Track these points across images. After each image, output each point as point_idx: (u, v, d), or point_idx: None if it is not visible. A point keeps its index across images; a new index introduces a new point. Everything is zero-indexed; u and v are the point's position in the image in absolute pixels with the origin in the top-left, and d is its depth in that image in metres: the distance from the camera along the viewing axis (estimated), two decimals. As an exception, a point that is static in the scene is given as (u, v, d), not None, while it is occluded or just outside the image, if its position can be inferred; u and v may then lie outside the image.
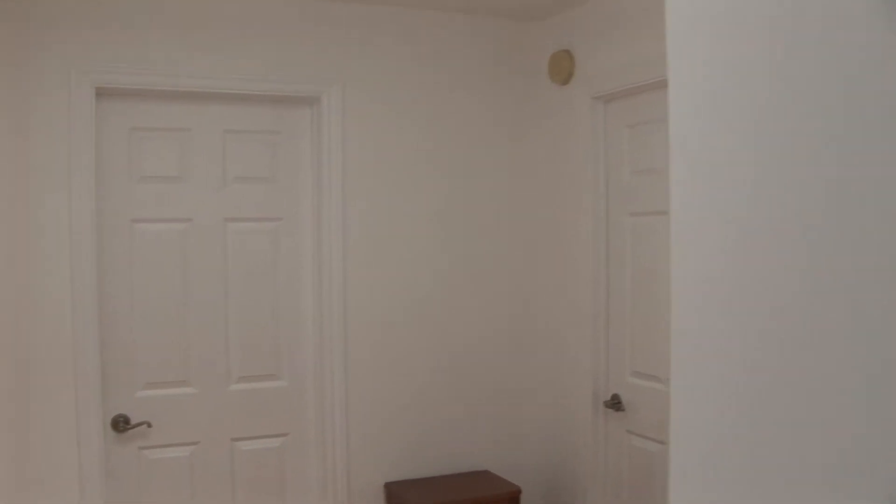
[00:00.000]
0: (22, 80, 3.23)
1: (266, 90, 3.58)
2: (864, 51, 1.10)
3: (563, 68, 3.78)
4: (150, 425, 3.51)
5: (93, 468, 3.35)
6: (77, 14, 3.29)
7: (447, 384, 3.92)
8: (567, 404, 3.86)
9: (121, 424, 3.47)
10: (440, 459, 3.91)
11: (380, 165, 3.77)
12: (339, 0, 3.67)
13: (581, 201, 3.73)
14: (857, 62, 1.12)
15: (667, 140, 3.29)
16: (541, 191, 4.01)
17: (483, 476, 3.87)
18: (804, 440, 1.23)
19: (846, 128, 1.15)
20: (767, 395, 1.29)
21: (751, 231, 1.30)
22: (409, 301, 3.83)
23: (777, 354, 1.26)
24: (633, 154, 3.53)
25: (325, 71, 3.66)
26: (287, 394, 3.75)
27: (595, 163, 3.67)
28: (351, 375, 3.73)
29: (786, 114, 1.25)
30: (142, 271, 3.51)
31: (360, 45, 3.72)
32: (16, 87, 3.22)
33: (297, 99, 3.68)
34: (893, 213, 1.07)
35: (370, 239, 3.76)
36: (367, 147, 3.75)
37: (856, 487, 1.13)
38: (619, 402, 3.59)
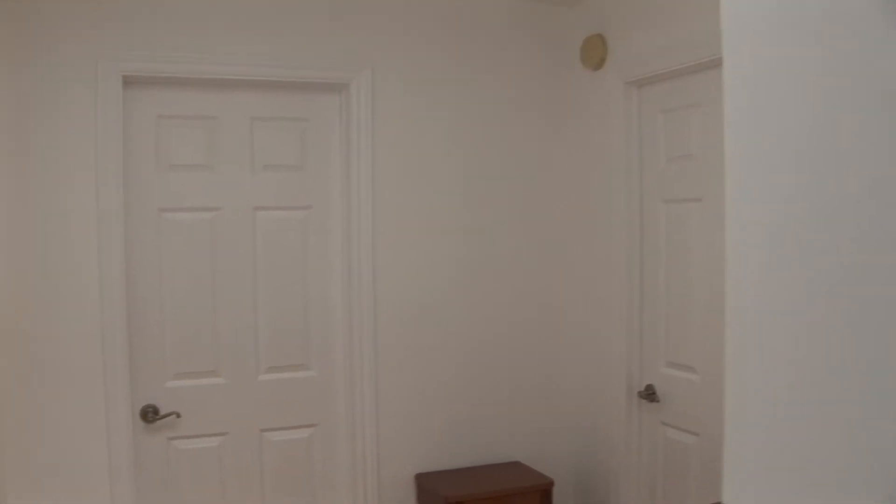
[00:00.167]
0: (49, 69, 3.20)
1: (294, 76, 3.53)
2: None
3: (595, 53, 3.70)
4: (178, 416, 3.49)
5: (122, 459, 3.33)
6: (104, 2, 3.26)
7: (478, 374, 3.87)
8: (600, 395, 3.81)
9: (150, 415, 3.45)
10: (471, 450, 3.86)
11: (410, 153, 3.72)
12: (367, -15, 3.62)
13: (614, 188, 3.66)
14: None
15: (702, 125, 3.24)
16: (573, 178, 3.95)
17: (515, 468, 3.82)
18: (859, 432, 1.17)
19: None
20: (822, 385, 1.23)
21: (806, 215, 1.24)
22: (439, 290, 3.78)
23: (832, 344, 1.20)
24: (668, 140, 3.45)
25: (354, 57, 3.61)
26: (316, 384, 3.71)
27: (628, 149, 3.60)
28: (381, 365, 3.69)
29: (842, 94, 1.18)
30: (170, 261, 3.48)
31: (389, 31, 3.66)
32: (43, 76, 3.20)
33: (326, 85, 3.63)
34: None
35: (400, 227, 3.71)
36: (397, 134, 3.69)
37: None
38: (654, 393, 3.52)
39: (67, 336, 3.26)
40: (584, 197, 3.88)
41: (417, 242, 3.74)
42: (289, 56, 3.50)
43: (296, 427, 3.68)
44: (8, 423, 3.20)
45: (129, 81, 3.34)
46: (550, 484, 3.63)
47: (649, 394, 3.54)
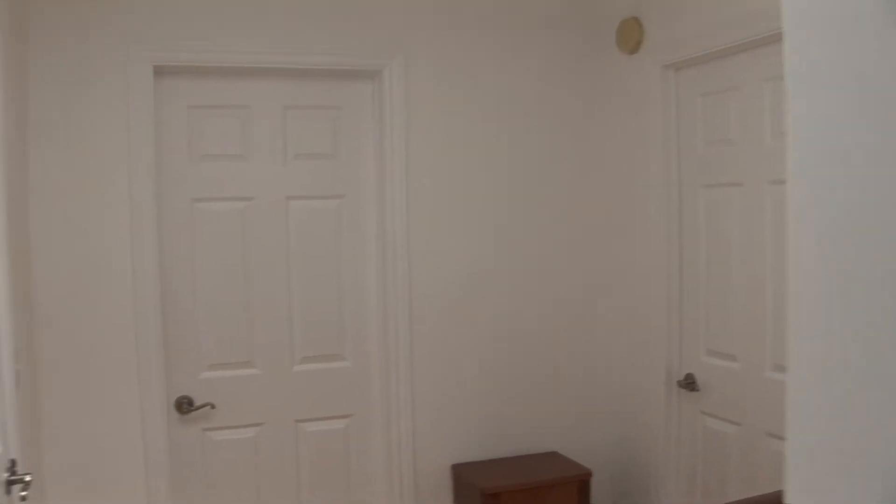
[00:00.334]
0: (80, 59, 3.19)
1: (326, 64, 3.49)
2: None
3: (631, 36, 3.63)
4: (213, 407, 3.48)
5: (157, 449, 3.33)
6: (134, -10, 3.24)
7: (514, 363, 3.82)
8: (639, 384, 3.75)
9: (184, 406, 3.45)
10: (508, 440, 3.82)
11: (443, 140, 3.67)
12: (398, -30, 3.57)
13: (652, 174, 3.60)
14: None
15: (742, 108, 3.16)
16: (610, 164, 3.89)
17: (552, 458, 3.78)
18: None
19: None
20: (888, 382, 1.18)
21: (871, 200, 1.18)
22: (474, 278, 3.74)
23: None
24: (707, 124, 3.38)
25: (386, 43, 3.56)
26: (351, 374, 3.69)
27: (666, 134, 3.53)
28: (416, 355, 3.65)
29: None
30: (203, 251, 3.46)
31: (421, 18, 3.61)
32: (75, 67, 3.18)
33: (358, 73, 3.59)
34: None
35: (434, 216, 3.67)
36: (431, 121, 3.64)
37: None
38: (694, 382, 3.46)
39: (102, 327, 3.26)
40: (621, 183, 3.82)
41: (452, 230, 3.70)
42: (321, 43, 3.47)
43: (331, 418, 3.66)
44: (46, 413, 3.20)
45: (160, 71, 3.32)
46: (588, 475, 3.58)
47: (689, 383, 3.48)
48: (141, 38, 3.24)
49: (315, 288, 3.61)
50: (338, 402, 3.67)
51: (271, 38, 3.41)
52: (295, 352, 3.60)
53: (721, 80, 3.28)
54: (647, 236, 3.66)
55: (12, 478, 2.33)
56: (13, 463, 2.39)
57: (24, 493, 2.30)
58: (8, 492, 2.32)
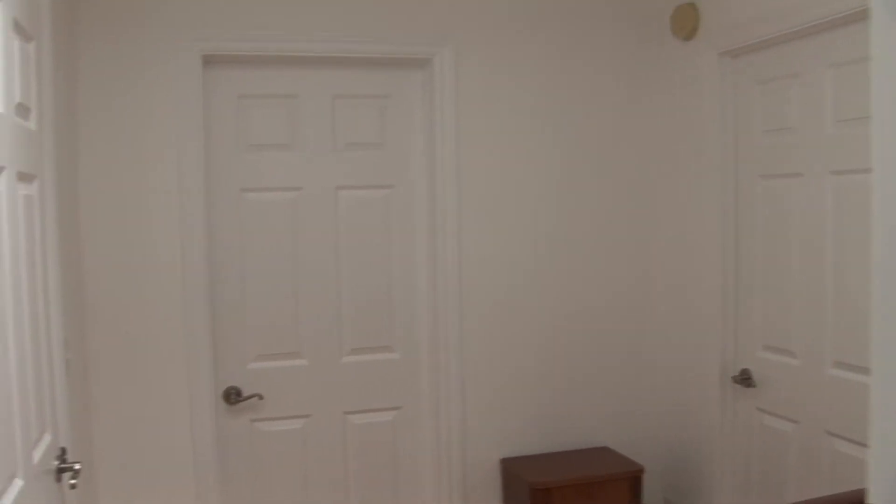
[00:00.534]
0: (130, 49, 3.18)
1: (375, 52, 3.45)
2: None
3: (687, 22, 3.54)
4: (261, 397, 3.47)
5: (205, 439, 3.32)
6: (184, -22, 3.23)
7: (565, 356, 3.76)
8: (692, 379, 3.67)
9: (232, 397, 3.44)
10: (558, 435, 3.76)
11: (494, 129, 3.61)
12: (449, -44, 3.51)
13: (707, 163, 3.50)
14: None
15: (803, 96, 3.06)
16: (663, 153, 3.80)
17: (603, 453, 3.71)
18: None
19: None
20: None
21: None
22: (525, 270, 3.68)
23: None
24: (765, 112, 3.28)
25: (436, 31, 3.51)
26: (400, 366, 3.65)
27: (722, 122, 3.43)
28: (466, 347, 3.61)
29: None
30: (252, 241, 3.44)
31: (471, 5, 3.55)
32: (124, 57, 3.18)
33: (408, 61, 3.54)
34: None
35: (485, 206, 3.61)
36: (481, 110, 3.59)
37: None
38: (749, 378, 3.37)
39: (151, 316, 3.26)
40: (675, 173, 3.73)
41: (503, 222, 3.64)
42: (370, 31, 3.43)
43: (379, 410, 3.63)
44: (96, 402, 3.21)
45: (208, 61, 3.30)
46: (640, 471, 3.51)
47: (744, 378, 3.38)
48: (190, 28, 3.23)
49: (364, 279, 3.58)
50: (386, 394, 3.64)
51: (320, 26, 3.37)
52: (343, 343, 3.57)
53: (780, 66, 3.18)
54: (702, 228, 3.57)
55: (62, 466, 2.34)
56: (63, 451, 2.40)
57: (73, 481, 2.30)
58: (58, 479, 2.33)
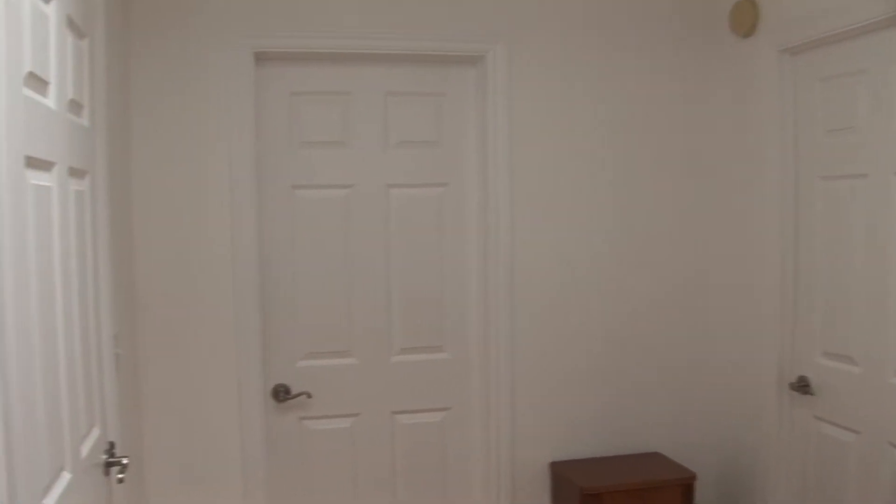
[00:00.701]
0: (182, 45, 3.20)
1: (428, 49, 3.42)
2: None
3: (746, 18, 3.45)
4: (310, 396, 3.47)
5: (254, 436, 3.33)
6: (237, -24, 3.24)
7: (617, 359, 3.70)
8: (747, 385, 3.57)
9: (281, 394, 3.44)
10: (609, 439, 3.70)
11: (547, 126, 3.57)
12: (503, -47, 3.47)
13: (767, 163, 3.41)
14: None
15: (868, 94, 2.96)
16: (720, 153, 3.71)
17: (654, 459, 3.64)
18: None
19: None
20: None
21: None
22: (577, 271, 3.63)
23: None
24: (827, 111, 3.18)
25: (490, 28, 3.47)
26: (450, 367, 3.62)
27: (782, 121, 3.34)
28: (517, 349, 3.56)
29: None
30: (303, 239, 3.44)
31: (525, 2, 3.51)
32: (176, 53, 3.20)
33: (461, 58, 3.51)
34: None
35: (538, 206, 3.57)
36: (535, 108, 3.54)
37: None
38: (807, 385, 3.27)
39: (201, 312, 3.28)
40: (733, 173, 3.64)
41: (556, 221, 3.59)
42: (423, 28, 3.41)
43: (428, 410, 3.61)
44: (145, 397, 3.24)
45: (261, 58, 3.31)
46: (693, 478, 3.43)
47: (802, 385, 3.29)
48: (242, 25, 3.24)
49: (415, 278, 3.56)
50: (436, 394, 3.61)
51: (373, 23, 3.36)
52: (393, 342, 3.56)
53: (844, 63, 3.08)
54: (759, 230, 3.48)
55: (110, 460, 2.35)
56: (112, 445, 2.41)
57: (121, 476, 2.31)
58: (106, 473, 2.34)
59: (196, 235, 3.26)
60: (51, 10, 1.90)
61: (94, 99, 2.38)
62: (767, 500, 3.45)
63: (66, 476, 1.92)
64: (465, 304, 3.62)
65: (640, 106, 3.66)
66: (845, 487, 3.11)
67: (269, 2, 3.27)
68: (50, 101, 1.87)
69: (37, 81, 1.75)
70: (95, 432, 2.26)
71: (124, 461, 2.34)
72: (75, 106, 2.15)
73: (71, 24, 2.10)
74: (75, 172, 2.13)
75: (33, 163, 1.70)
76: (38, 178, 1.74)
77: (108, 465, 2.34)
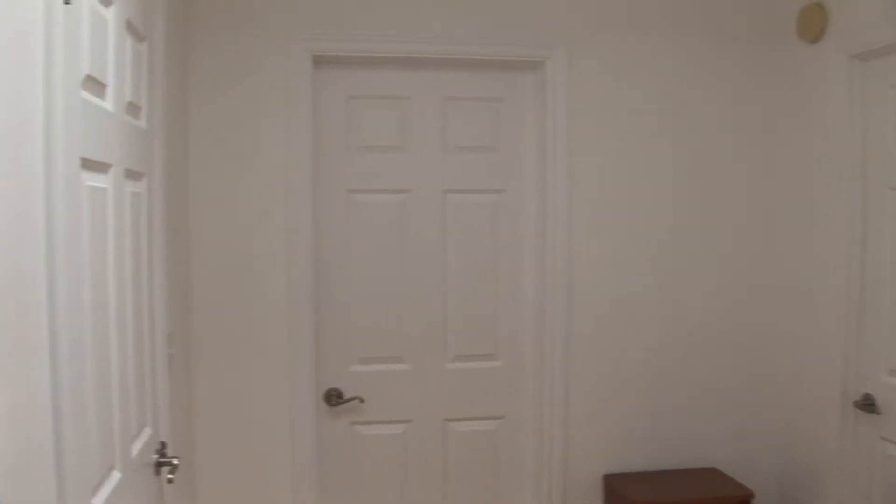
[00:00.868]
0: (241, 49, 3.23)
1: (487, 54, 3.39)
2: None
3: (814, 23, 3.36)
4: (362, 401, 3.46)
5: (305, 439, 3.33)
6: (298, -20, 3.25)
7: (675, 371, 3.62)
8: (809, 401, 3.47)
9: (333, 398, 3.44)
10: (664, 453, 3.62)
11: (607, 133, 3.51)
12: (564, -43, 3.43)
13: (833, 173, 3.31)
14: None
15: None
16: (785, 162, 3.62)
17: (711, 475, 3.55)
18: None
19: None
20: None
21: None
22: (635, 280, 3.56)
23: None
24: (899, 120, 3.07)
25: (549, 33, 3.43)
26: (504, 375, 3.59)
27: (850, 130, 3.24)
28: (572, 358, 3.51)
29: None
30: (358, 243, 3.44)
31: (585, 8, 3.46)
32: (235, 56, 3.22)
33: (520, 63, 3.47)
34: None
35: (596, 213, 3.51)
36: (594, 114, 3.49)
37: None
38: (873, 404, 3.16)
39: (256, 314, 3.29)
40: (798, 182, 3.54)
41: (615, 230, 3.53)
42: (482, 33, 3.38)
43: (481, 418, 3.57)
44: (198, 398, 3.26)
45: (319, 61, 3.32)
46: (750, 496, 3.34)
47: (867, 404, 3.18)
48: (300, 29, 3.25)
49: (470, 285, 3.53)
50: (489, 402, 3.58)
51: (432, 27, 3.35)
52: (447, 349, 3.53)
53: (917, 71, 2.98)
54: (824, 241, 3.38)
55: (161, 460, 2.36)
56: (163, 445, 2.43)
57: (170, 476, 2.32)
58: (157, 473, 2.36)
59: (252, 238, 3.27)
60: (110, 15, 1.92)
61: (153, 101, 2.40)
62: (829, 520, 3.35)
63: (115, 475, 1.93)
64: (520, 311, 3.58)
65: (702, 112, 3.58)
66: (912, 510, 3.00)
67: (327, 5, 3.28)
68: (107, 103, 1.89)
69: (94, 84, 1.77)
70: (147, 432, 2.28)
71: (175, 461, 2.36)
72: (133, 108, 2.17)
73: (130, 27, 2.12)
74: (132, 174, 2.15)
75: (89, 164, 1.72)
76: (93, 180, 1.76)
77: (159, 464, 2.36)
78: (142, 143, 2.26)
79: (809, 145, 3.46)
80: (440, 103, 3.47)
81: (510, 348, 3.58)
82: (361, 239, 3.44)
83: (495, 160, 3.53)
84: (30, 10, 1.38)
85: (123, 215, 2.05)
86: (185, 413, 3.03)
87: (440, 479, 3.55)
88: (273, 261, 3.29)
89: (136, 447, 2.14)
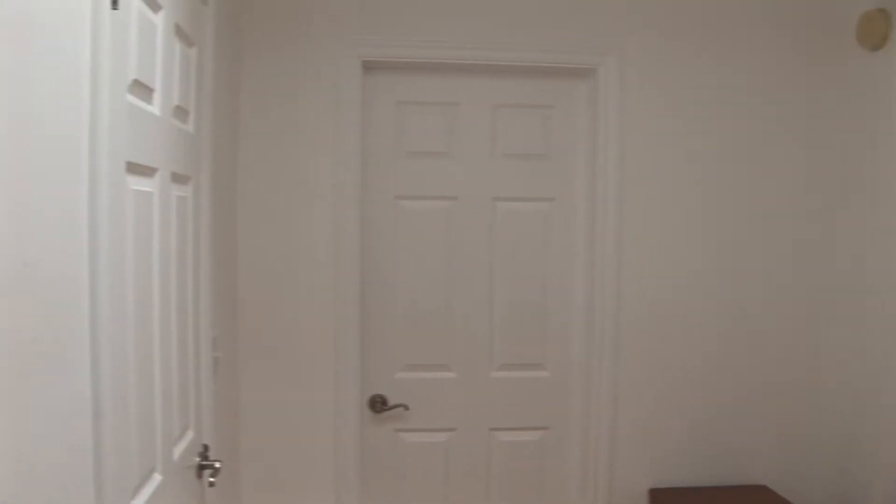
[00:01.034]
0: (291, 54, 3.24)
1: (537, 61, 3.36)
2: None
3: (876, 30, 3.27)
4: (407, 408, 3.44)
5: (349, 445, 3.32)
6: (349, -14, 3.26)
7: (726, 383, 3.54)
8: (867, 415, 3.36)
9: (378, 405, 3.43)
10: (712, 468, 3.55)
11: (659, 144, 3.45)
12: (618, -37, 3.38)
13: (894, 188, 3.21)
14: None
15: None
16: (844, 171, 3.52)
17: (760, 493, 3.46)
18: None
19: None
20: None
21: None
22: (687, 290, 3.49)
23: None
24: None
25: (602, 40, 3.38)
26: (550, 385, 3.54)
27: (913, 142, 3.14)
28: (620, 370, 3.46)
29: None
30: (405, 249, 3.43)
31: (636, 14, 3.41)
32: (285, 62, 3.24)
33: (571, 71, 3.43)
34: None
35: (647, 224, 3.45)
36: (647, 123, 3.43)
37: None
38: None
39: (302, 318, 3.29)
40: (857, 194, 3.44)
41: (666, 239, 3.47)
42: (532, 40, 3.35)
43: (526, 429, 3.54)
44: (243, 402, 3.28)
45: (368, 67, 3.32)
46: (803, 514, 3.26)
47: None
48: (350, 34, 3.25)
49: (518, 293, 3.50)
50: (534, 412, 3.54)
51: (482, 34, 3.32)
52: (493, 358, 3.50)
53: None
54: (882, 254, 3.27)
55: (203, 463, 2.37)
56: (206, 448, 2.43)
57: (212, 479, 2.33)
58: (199, 476, 2.36)
59: (299, 242, 3.28)
60: (159, 20, 1.93)
61: (201, 106, 2.41)
62: (884, 543, 3.24)
63: (156, 477, 1.94)
64: (568, 322, 3.54)
65: (758, 124, 3.50)
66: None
67: (378, 11, 3.28)
68: (154, 107, 1.90)
69: (141, 89, 1.78)
70: (189, 435, 2.29)
71: (217, 464, 2.36)
72: (181, 112, 2.18)
73: (179, 32, 2.14)
74: (178, 178, 2.16)
75: (134, 168, 1.73)
76: (139, 184, 1.77)
77: (201, 467, 2.37)
78: (189, 147, 2.28)
79: (870, 157, 3.36)
80: (489, 110, 3.45)
81: (557, 359, 3.54)
82: (408, 245, 3.43)
83: (545, 168, 3.50)
84: (77, 15, 1.39)
85: (169, 219, 2.06)
86: (229, 416, 3.04)
87: (483, 489, 3.52)
88: (320, 266, 3.29)
89: (179, 450, 2.15)
